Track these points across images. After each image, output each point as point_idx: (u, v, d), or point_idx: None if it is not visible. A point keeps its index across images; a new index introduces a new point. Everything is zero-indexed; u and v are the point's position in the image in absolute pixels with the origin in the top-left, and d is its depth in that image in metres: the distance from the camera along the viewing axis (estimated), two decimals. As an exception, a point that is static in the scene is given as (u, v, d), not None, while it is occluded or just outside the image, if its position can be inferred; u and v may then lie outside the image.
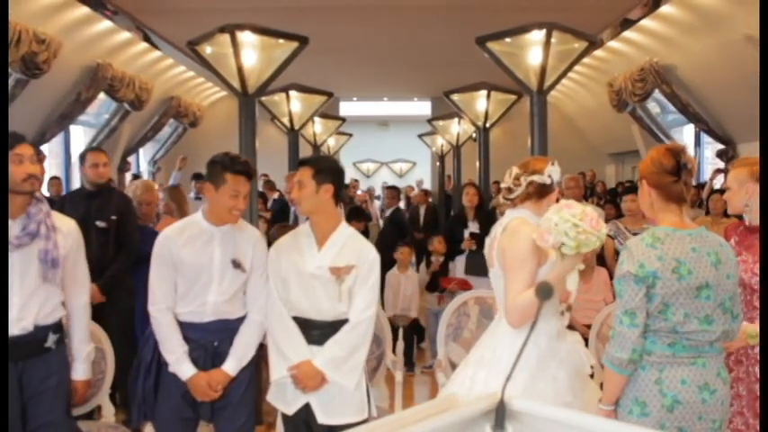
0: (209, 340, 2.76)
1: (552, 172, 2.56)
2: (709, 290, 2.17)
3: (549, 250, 2.39)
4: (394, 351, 3.78)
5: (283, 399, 2.81)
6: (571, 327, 2.82)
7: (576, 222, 2.25)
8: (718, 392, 2.20)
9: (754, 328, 2.59)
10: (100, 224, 4.20)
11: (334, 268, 2.74)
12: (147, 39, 9.11)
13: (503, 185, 2.65)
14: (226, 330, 2.78)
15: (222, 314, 2.77)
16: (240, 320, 2.81)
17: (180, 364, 2.70)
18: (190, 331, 2.74)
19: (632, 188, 6.04)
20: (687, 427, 2.17)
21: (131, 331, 4.26)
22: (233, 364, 2.76)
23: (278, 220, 6.22)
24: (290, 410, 2.79)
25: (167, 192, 5.30)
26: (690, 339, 2.18)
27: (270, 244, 2.97)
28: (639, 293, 2.16)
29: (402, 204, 14.22)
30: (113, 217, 4.25)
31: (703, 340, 2.19)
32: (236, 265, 2.77)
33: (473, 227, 5.86)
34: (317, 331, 2.76)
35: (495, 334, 2.55)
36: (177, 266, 2.73)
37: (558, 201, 2.50)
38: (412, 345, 6.02)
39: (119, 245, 4.25)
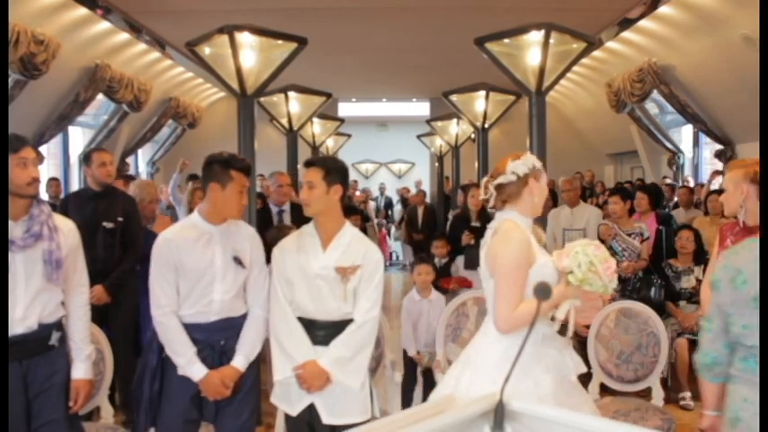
0: (215, 339, 2.78)
1: (514, 167, 2.48)
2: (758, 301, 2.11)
3: (539, 254, 2.45)
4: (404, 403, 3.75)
5: (287, 399, 2.81)
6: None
7: (594, 262, 2.33)
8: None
9: None
10: (107, 225, 4.22)
11: (341, 268, 2.75)
12: (145, 40, 9.10)
13: (481, 198, 2.62)
14: (231, 328, 2.80)
15: (227, 312, 2.79)
16: (243, 317, 2.84)
17: (191, 365, 2.71)
18: (195, 332, 2.76)
19: (616, 190, 6.05)
20: None
21: (135, 332, 4.27)
22: (242, 359, 2.79)
23: (261, 223, 5.15)
24: (295, 411, 2.79)
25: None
26: (756, 356, 2.09)
27: (268, 245, 2.98)
28: (715, 300, 2.19)
29: (400, 206, 14.29)
30: (120, 218, 4.26)
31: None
32: (238, 261, 2.79)
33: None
34: (321, 332, 2.77)
35: (484, 335, 2.53)
36: (178, 269, 2.74)
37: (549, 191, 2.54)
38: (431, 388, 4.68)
39: (124, 246, 4.27)
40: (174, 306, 2.75)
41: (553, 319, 2.49)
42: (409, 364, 4.29)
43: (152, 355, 2.79)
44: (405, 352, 4.32)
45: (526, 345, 2.41)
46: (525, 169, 2.48)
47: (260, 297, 2.85)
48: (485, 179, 2.57)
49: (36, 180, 2.51)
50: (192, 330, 2.75)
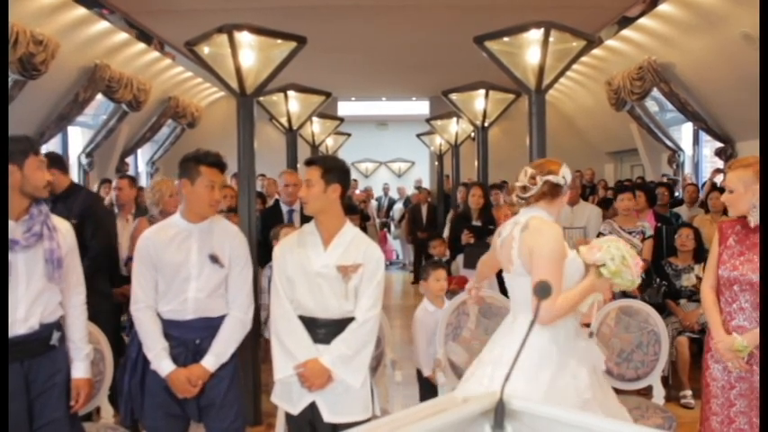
0: (190, 338, 2.80)
1: (566, 174, 2.63)
2: None
3: (583, 257, 2.52)
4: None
5: (289, 398, 2.82)
6: None
7: (626, 256, 2.43)
8: None
9: (741, 341, 2.57)
10: None
11: (342, 267, 2.76)
12: (144, 39, 9.10)
13: (517, 184, 2.68)
14: (208, 328, 2.82)
15: (204, 312, 2.81)
16: (222, 319, 2.85)
17: (159, 360, 2.75)
18: (172, 329, 2.79)
19: (626, 187, 6.04)
20: None
21: (115, 334, 4.19)
22: (212, 359, 2.79)
23: (269, 221, 5.42)
24: (296, 410, 2.80)
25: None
26: None
27: (271, 244, 2.99)
28: None
29: (401, 204, 14.28)
30: (74, 221, 4.10)
31: None
32: (214, 260, 2.81)
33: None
34: (322, 330, 2.78)
35: (513, 333, 2.55)
36: (157, 266, 2.79)
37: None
38: None
39: (85, 248, 3.93)
40: (150, 302, 2.80)
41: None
42: (425, 384, 3.84)
43: (133, 348, 2.83)
44: (419, 372, 3.87)
45: (560, 339, 2.45)
46: (569, 180, 2.65)
47: (239, 297, 2.87)
48: (530, 170, 2.63)
49: (50, 183, 2.58)
50: (169, 327, 2.79)
